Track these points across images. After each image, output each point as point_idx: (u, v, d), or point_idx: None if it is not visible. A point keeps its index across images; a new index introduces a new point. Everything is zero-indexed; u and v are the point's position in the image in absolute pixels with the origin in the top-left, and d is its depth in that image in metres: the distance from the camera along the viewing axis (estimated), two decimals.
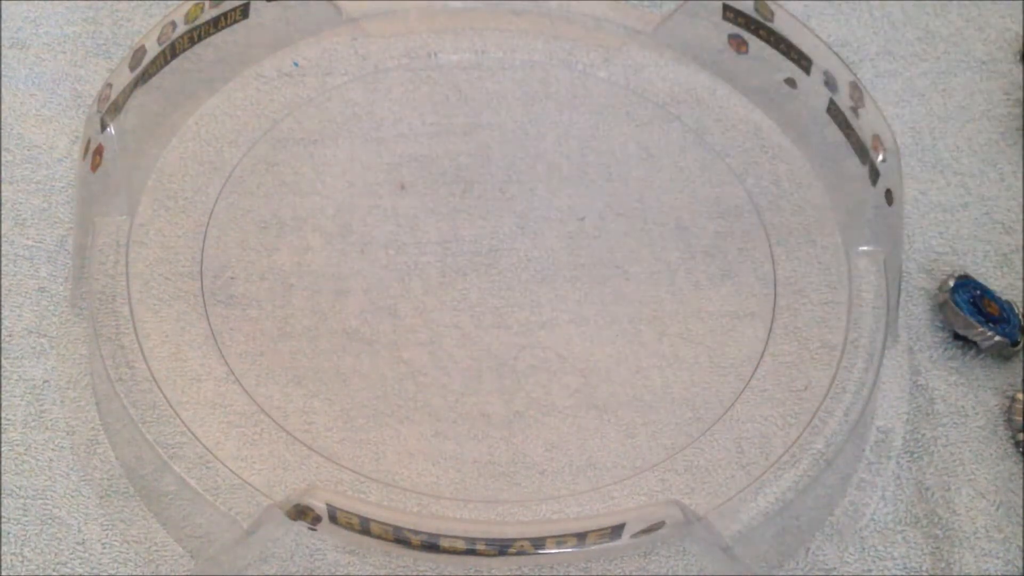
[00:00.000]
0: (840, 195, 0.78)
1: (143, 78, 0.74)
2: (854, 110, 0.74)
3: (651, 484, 0.68)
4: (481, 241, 0.76)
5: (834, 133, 0.76)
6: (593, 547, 0.61)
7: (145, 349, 0.70)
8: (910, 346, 0.76)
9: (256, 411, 0.69)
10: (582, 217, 0.77)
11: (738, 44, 0.80)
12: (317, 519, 0.61)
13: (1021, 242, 0.79)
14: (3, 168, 0.79)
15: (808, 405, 0.70)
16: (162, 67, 0.75)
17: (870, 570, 0.68)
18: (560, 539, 0.61)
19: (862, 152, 0.74)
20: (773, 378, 0.71)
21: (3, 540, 0.67)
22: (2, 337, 0.73)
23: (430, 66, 0.83)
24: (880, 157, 0.73)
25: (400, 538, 0.61)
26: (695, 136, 0.80)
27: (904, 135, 0.83)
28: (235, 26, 0.77)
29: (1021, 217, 0.80)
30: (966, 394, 0.74)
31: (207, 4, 0.75)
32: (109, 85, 0.73)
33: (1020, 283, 0.78)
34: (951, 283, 0.76)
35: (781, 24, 0.76)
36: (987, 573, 0.68)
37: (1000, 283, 0.78)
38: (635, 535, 0.61)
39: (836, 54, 0.76)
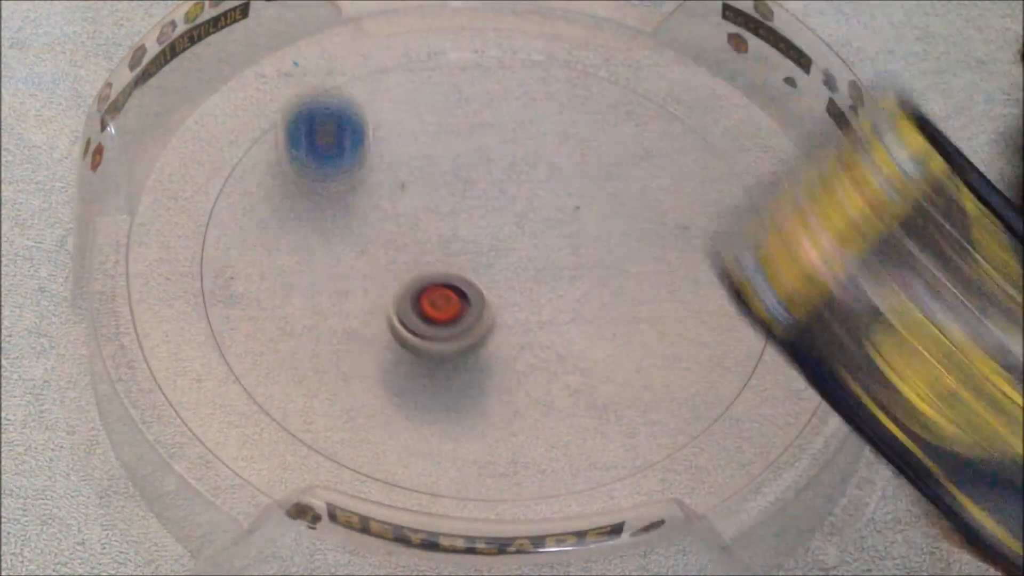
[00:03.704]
0: None
1: (143, 78, 0.74)
2: (854, 109, 0.74)
3: (651, 483, 0.68)
4: (481, 241, 0.76)
5: (834, 133, 0.76)
6: (593, 545, 0.61)
7: (145, 349, 0.70)
8: None
9: (256, 411, 0.69)
10: (577, 206, 0.77)
11: (738, 44, 0.80)
12: (317, 518, 0.61)
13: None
14: (3, 168, 0.79)
15: (808, 405, 0.70)
16: (162, 67, 0.75)
17: (870, 570, 0.68)
18: (560, 538, 0.61)
19: None
20: (773, 378, 0.71)
21: (3, 540, 0.67)
22: (2, 337, 0.73)
23: (430, 66, 0.83)
24: None
25: (400, 537, 0.61)
26: (695, 136, 0.80)
27: None
28: (235, 26, 0.77)
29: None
30: None
31: (207, 4, 0.75)
32: (109, 85, 0.73)
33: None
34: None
35: (781, 24, 0.76)
36: (987, 573, 0.68)
37: None
38: (635, 533, 0.61)
39: (836, 54, 0.76)
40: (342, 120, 0.73)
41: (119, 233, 0.74)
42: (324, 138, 0.72)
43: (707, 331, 0.73)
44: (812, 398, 0.70)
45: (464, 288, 0.70)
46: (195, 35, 0.75)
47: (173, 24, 0.74)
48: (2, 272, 0.75)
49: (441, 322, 0.69)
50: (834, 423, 0.69)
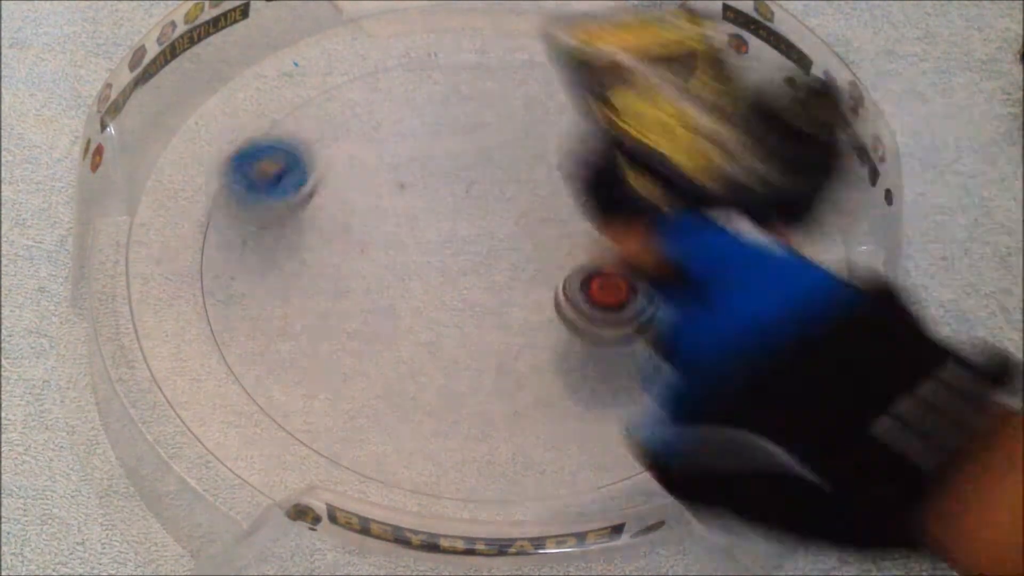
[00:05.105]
0: (840, 195, 0.77)
1: (143, 78, 0.74)
2: (854, 110, 0.74)
3: (651, 484, 0.67)
4: (481, 241, 0.76)
5: None
6: (593, 547, 0.61)
7: (145, 349, 0.70)
8: None
9: (256, 411, 0.69)
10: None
11: (738, 44, 0.80)
12: (317, 519, 0.61)
13: (1021, 242, 0.79)
14: (3, 168, 0.79)
15: None
16: (162, 67, 0.75)
17: (870, 570, 0.68)
18: (560, 539, 0.61)
19: (862, 152, 0.74)
20: None
21: (3, 540, 0.67)
22: (2, 337, 0.73)
23: (430, 66, 0.83)
24: (880, 157, 0.73)
25: (400, 538, 0.61)
26: None
27: (904, 135, 0.83)
28: (235, 26, 0.77)
29: (1021, 217, 0.80)
30: None
31: (207, 4, 0.75)
32: (109, 85, 0.73)
33: (1020, 284, 0.78)
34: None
35: (781, 24, 0.76)
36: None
37: (999, 284, 0.78)
38: (635, 535, 0.61)
39: (836, 54, 0.76)
40: (288, 160, 0.73)
41: (119, 233, 0.74)
42: (262, 173, 0.73)
43: None
44: None
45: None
46: (195, 35, 0.75)
47: (173, 24, 0.74)
48: (2, 272, 0.75)
49: (609, 306, 0.69)
50: None
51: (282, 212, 0.74)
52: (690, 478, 0.52)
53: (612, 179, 0.60)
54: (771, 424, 0.49)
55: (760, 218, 0.57)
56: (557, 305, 0.70)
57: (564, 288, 0.70)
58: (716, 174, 0.58)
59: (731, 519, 0.52)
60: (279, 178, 0.73)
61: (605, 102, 0.60)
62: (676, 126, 0.59)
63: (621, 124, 0.59)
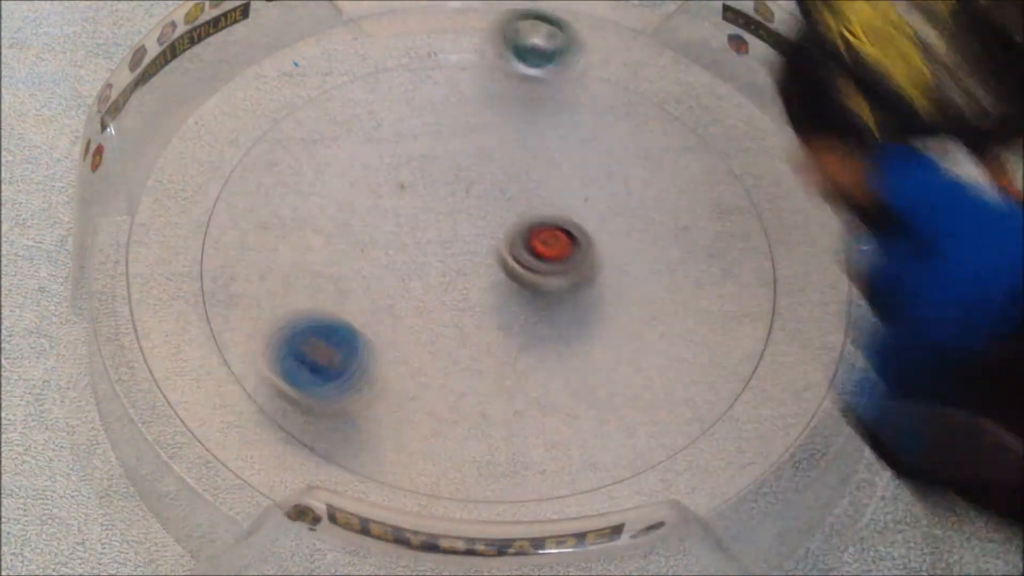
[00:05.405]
0: None
1: (143, 78, 0.74)
2: None
3: (651, 484, 0.68)
4: (481, 241, 0.76)
5: None
6: (593, 547, 0.61)
7: (145, 349, 0.70)
8: None
9: (256, 411, 0.69)
10: (577, 206, 0.77)
11: (738, 44, 0.80)
12: (317, 519, 0.61)
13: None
14: (3, 168, 0.79)
15: (808, 405, 0.70)
16: (162, 67, 0.75)
17: (870, 570, 0.68)
18: (560, 539, 0.61)
19: None
20: (773, 378, 0.71)
21: (3, 540, 0.67)
22: (2, 337, 0.73)
23: (430, 66, 0.83)
24: None
25: (400, 538, 0.61)
26: (695, 136, 0.80)
27: None
28: (235, 26, 0.77)
29: None
30: None
31: (207, 4, 0.75)
32: (109, 85, 0.73)
33: None
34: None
35: (781, 24, 0.76)
36: (987, 573, 0.68)
37: None
38: (635, 535, 0.61)
39: None
40: (327, 334, 0.67)
41: (119, 233, 0.74)
42: (322, 359, 0.66)
43: (707, 331, 0.73)
44: (812, 398, 0.70)
45: (572, 229, 0.72)
46: (195, 36, 0.75)
47: (173, 25, 0.74)
48: (2, 272, 0.75)
49: (550, 259, 0.71)
50: (834, 423, 0.69)
51: (346, 403, 0.68)
52: (911, 455, 0.49)
53: (822, 90, 0.56)
54: (1002, 406, 0.45)
55: (977, 147, 0.55)
56: (502, 261, 0.71)
57: (508, 244, 0.71)
58: (934, 95, 0.55)
59: (956, 502, 0.49)
60: (342, 368, 0.66)
61: (828, 4, 0.57)
62: (898, 37, 0.55)
63: (841, 30, 0.56)
